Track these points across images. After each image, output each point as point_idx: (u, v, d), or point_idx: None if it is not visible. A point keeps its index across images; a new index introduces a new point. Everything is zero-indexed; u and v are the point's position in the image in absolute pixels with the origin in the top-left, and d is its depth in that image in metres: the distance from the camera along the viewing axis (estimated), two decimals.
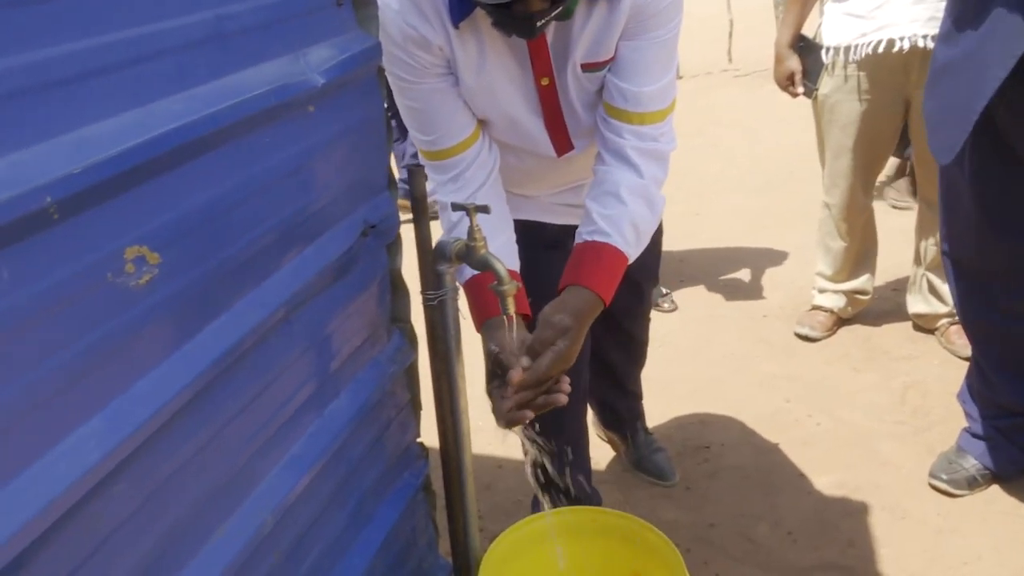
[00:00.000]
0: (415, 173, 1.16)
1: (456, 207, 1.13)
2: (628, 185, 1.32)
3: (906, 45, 2.26)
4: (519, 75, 1.35)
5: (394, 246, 1.26)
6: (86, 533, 0.74)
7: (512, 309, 1.12)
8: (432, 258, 1.20)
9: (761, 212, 3.99)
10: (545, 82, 1.36)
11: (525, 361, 1.18)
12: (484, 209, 1.10)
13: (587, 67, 1.34)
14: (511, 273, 1.19)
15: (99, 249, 0.72)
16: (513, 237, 1.44)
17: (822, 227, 2.73)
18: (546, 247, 1.53)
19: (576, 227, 1.36)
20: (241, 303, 0.92)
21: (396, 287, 1.27)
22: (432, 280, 1.21)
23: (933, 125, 1.71)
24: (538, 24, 1.17)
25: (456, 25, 1.25)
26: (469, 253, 1.13)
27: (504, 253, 1.35)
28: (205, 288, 0.86)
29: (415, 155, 1.74)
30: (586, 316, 1.26)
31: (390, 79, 1.31)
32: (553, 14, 1.18)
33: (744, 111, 5.84)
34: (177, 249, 0.82)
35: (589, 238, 1.31)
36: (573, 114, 1.42)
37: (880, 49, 2.29)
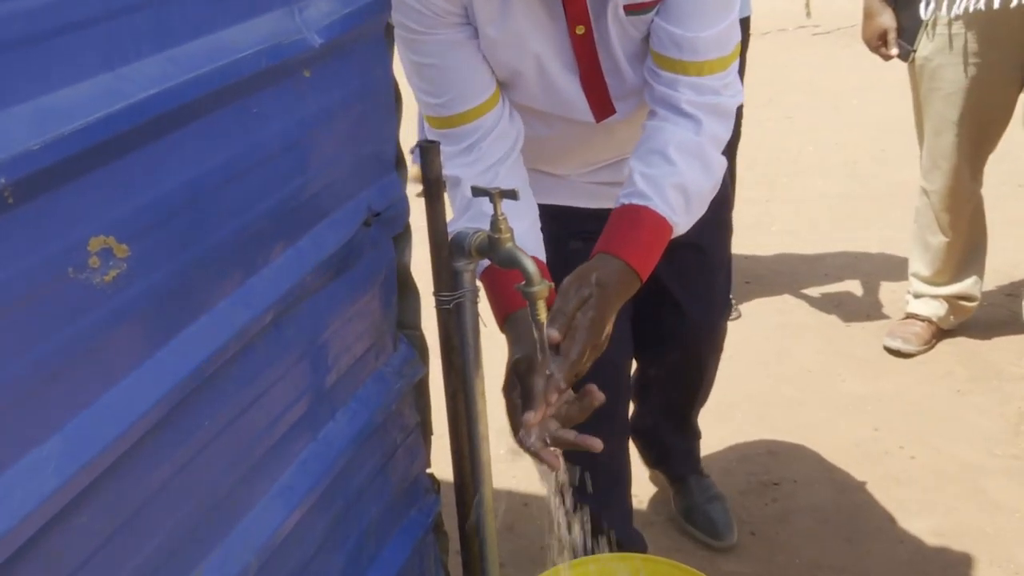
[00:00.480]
0: (428, 150, 1.17)
1: (477, 191, 1.14)
2: (679, 142, 1.34)
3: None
4: (549, 23, 1.36)
5: (402, 238, 1.27)
6: (43, 573, 0.76)
7: (544, 314, 1.13)
8: (448, 252, 1.21)
9: (845, 199, 3.98)
10: (581, 30, 1.37)
11: (555, 372, 1.17)
12: (511, 194, 1.11)
13: (631, 8, 1.35)
14: (540, 267, 1.19)
15: (59, 239, 0.74)
16: (538, 222, 1.45)
17: (920, 218, 2.72)
18: (578, 238, 1.53)
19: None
20: (222, 304, 0.94)
21: (404, 287, 1.29)
22: (447, 279, 1.22)
23: None
24: None
25: None
26: (493, 247, 1.15)
27: (528, 241, 1.35)
28: (180, 286, 0.88)
29: None
30: (615, 289, 1.25)
31: (396, 31, 1.33)
32: None
33: (825, 76, 5.81)
34: (148, 240, 0.84)
35: (626, 201, 1.33)
36: (615, 70, 1.42)
37: (996, 3, 2.28)
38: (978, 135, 2.51)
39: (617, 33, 1.38)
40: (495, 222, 1.13)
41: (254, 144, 0.97)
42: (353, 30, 1.10)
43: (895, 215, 3.55)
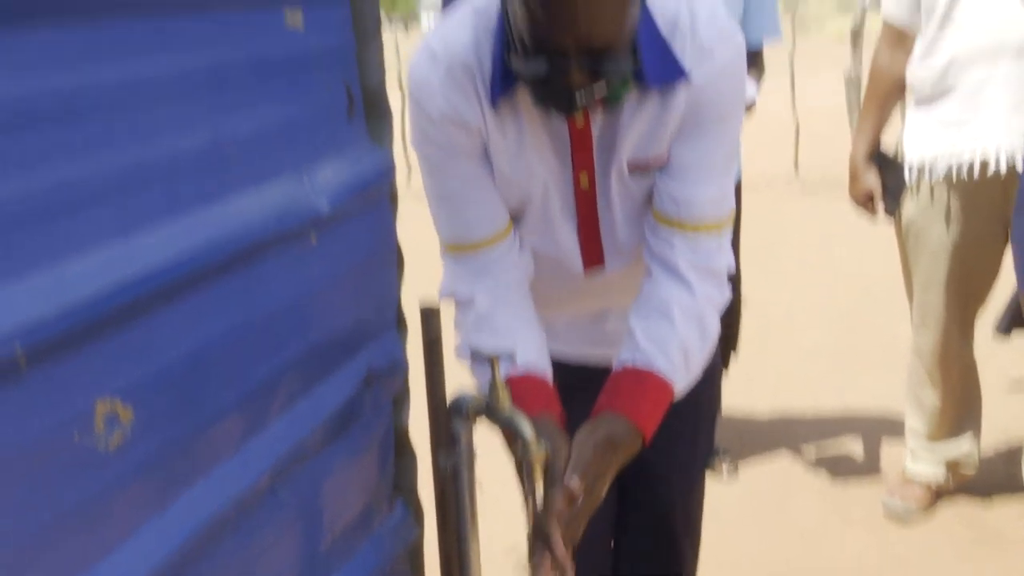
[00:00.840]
0: (428, 314, 1.19)
1: (477, 356, 1.16)
2: (680, 303, 1.36)
3: (1003, 164, 2.33)
4: (557, 169, 1.41)
5: (401, 397, 1.28)
6: None
7: (540, 478, 1.13)
8: (446, 414, 1.21)
9: (840, 353, 4.00)
10: (584, 183, 1.42)
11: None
12: (510, 357, 1.13)
13: (634, 167, 1.40)
14: (543, 393, 1.23)
15: (66, 405, 0.75)
16: (543, 338, 1.46)
17: (912, 375, 2.73)
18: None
19: (591, 372, 1.38)
20: (221, 468, 0.94)
21: (401, 448, 1.29)
22: (445, 441, 1.22)
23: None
24: (578, 98, 1.23)
25: (495, 103, 1.32)
26: (491, 411, 1.15)
27: (530, 350, 1.38)
28: (180, 450, 0.89)
29: None
30: (622, 450, 1.27)
31: (420, 161, 1.39)
32: (595, 90, 1.24)
33: (816, 230, 5.95)
34: (153, 404, 0.84)
35: (630, 361, 1.34)
36: (610, 226, 1.47)
37: (975, 172, 2.36)
38: (965, 294, 2.55)
39: (619, 190, 1.43)
40: (493, 387, 1.15)
41: (259, 309, 0.99)
42: (359, 195, 1.14)
43: (890, 369, 3.56)
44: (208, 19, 0.92)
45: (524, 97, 1.32)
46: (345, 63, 1.12)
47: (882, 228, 3.08)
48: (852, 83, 6.74)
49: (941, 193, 2.45)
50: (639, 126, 1.36)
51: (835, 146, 5.43)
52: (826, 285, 4.87)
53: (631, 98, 1.33)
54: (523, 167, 1.39)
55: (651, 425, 1.31)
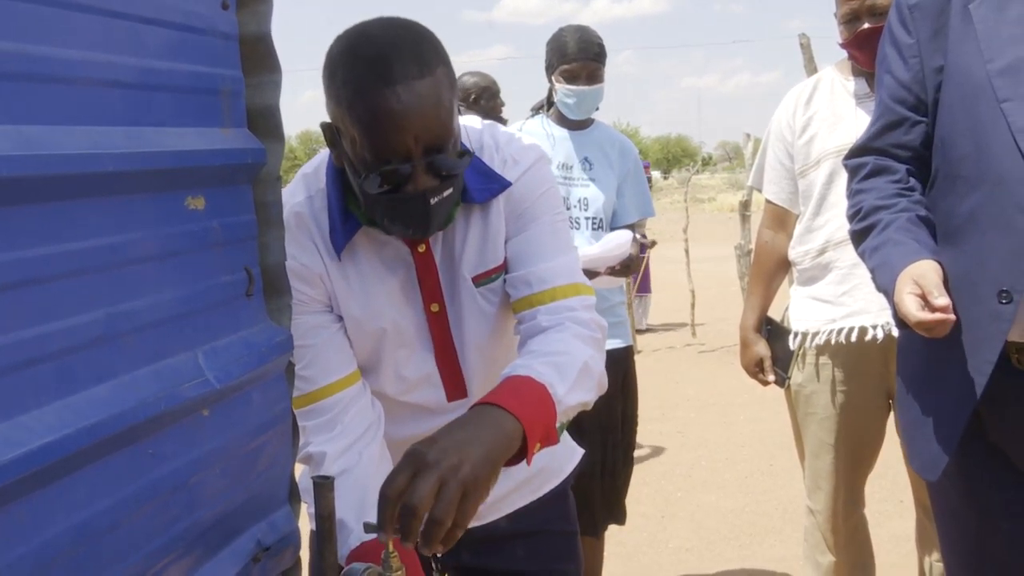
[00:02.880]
0: (321, 486, 1.19)
1: (369, 527, 1.14)
2: (541, 340, 1.39)
3: (880, 334, 2.46)
4: (406, 304, 1.48)
5: (291, 573, 1.25)
6: None
7: None
8: None
9: (740, 514, 4.04)
10: (435, 308, 1.48)
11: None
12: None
13: (479, 279, 1.48)
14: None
15: None
16: None
17: (808, 537, 2.77)
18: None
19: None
20: None
21: None
22: None
23: (911, 439, 1.77)
24: (432, 204, 1.32)
25: (339, 252, 1.43)
26: None
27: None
28: None
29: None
30: (462, 425, 1.15)
31: None
32: (446, 194, 1.34)
33: (713, 392, 6.09)
34: None
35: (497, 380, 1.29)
36: (466, 349, 1.52)
37: (852, 338, 2.49)
38: (854, 457, 2.63)
39: (470, 309, 1.49)
40: (386, 559, 1.14)
41: (146, 485, 0.97)
42: (254, 371, 1.15)
43: (789, 531, 3.61)
44: (110, 201, 0.94)
45: (364, 243, 1.44)
46: (246, 245, 1.14)
47: (777, 389, 3.18)
48: (742, 252, 7.08)
49: (825, 362, 2.56)
50: (472, 242, 1.47)
51: (731, 312, 5.63)
52: (725, 446, 4.96)
53: (458, 220, 1.45)
54: (371, 310, 1.46)
55: (526, 410, 1.19)
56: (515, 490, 1.63)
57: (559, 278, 1.46)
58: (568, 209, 2.91)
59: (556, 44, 2.98)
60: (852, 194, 1.78)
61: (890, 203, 1.67)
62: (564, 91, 2.90)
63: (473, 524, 1.46)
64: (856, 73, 2.55)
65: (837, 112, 2.54)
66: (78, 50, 0.89)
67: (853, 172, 1.79)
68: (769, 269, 2.72)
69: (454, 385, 1.54)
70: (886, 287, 1.60)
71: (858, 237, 1.74)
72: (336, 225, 1.43)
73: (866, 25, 2.40)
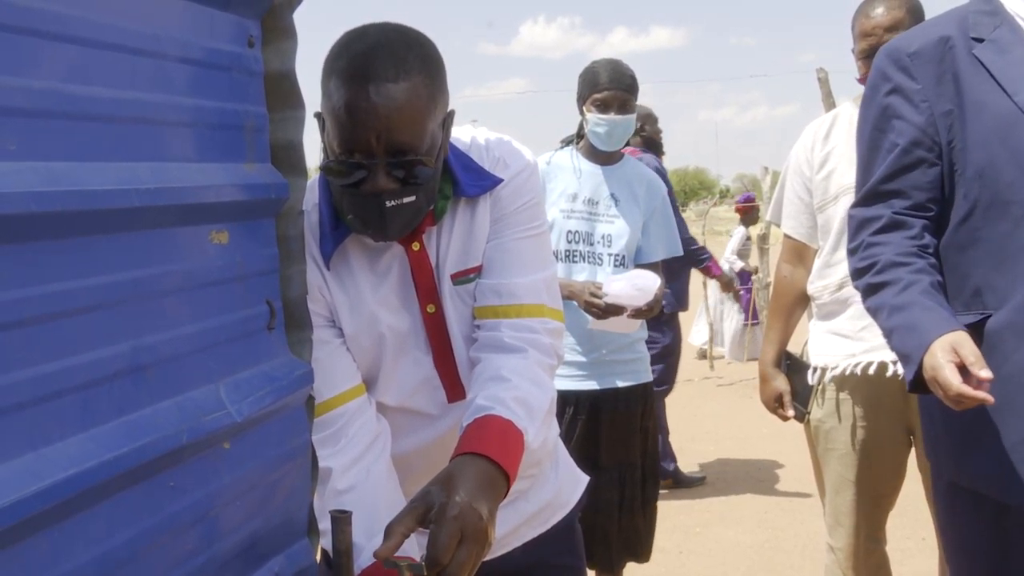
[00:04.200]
0: (339, 520, 1.18)
1: (389, 564, 1.15)
2: (511, 366, 1.40)
3: (901, 368, 2.43)
4: (402, 308, 1.49)
5: None
6: None
7: None
8: None
9: (761, 549, 4.00)
10: (432, 309, 1.48)
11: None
12: (418, 568, 1.12)
13: (457, 277, 1.48)
14: None
15: None
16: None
17: (828, 574, 2.74)
18: None
19: None
20: None
21: None
22: None
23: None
24: (387, 208, 1.34)
25: (328, 259, 1.44)
26: None
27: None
28: None
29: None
30: (474, 480, 1.22)
31: None
32: (405, 200, 1.35)
33: (732, 425, 6.05)
34: None
35: (467, 422, 1.34)
36: (460, 347, 1.51)
37: (871, 371, 2.47)
38: (875, 494, 2.60)
39: (454, 307, 1.49)
40: None
41: (166, 518, 0.98)
42: (274, 404, 1.15)
43: (809, 568, 3.56)
44: (136, 236, 0.96)
45: (356, 251, 1.46)
46: (268, 279, 1.15)
47: (796, 423, 3.16)
48: (761, 285, 7.06)
49: (845, 397, 2.54)
50: (456, 238, 1.47)
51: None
52: (745, 481, 4.91)
53: (447, 213, 1.46)
54: (368, 317, 1.47)
55: (506, 457, 1.28)
56: (525, 523, 1.63)
57: (528, 296, 1.47)
58: (591, 245, 2.91)
59: (589, 75, 3.00)
60: (864, 246, 1.77)
61: (908, 261, 1.68)
62: (595, 120, 2.91)
63: (488, 557, 1.46)
64: None
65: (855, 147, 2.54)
66: (105, 87, 0.90)
67: (864, 223, 1.78)
68: (788, 304, 2.71)
69: (453, 385, 1.53)
70: (909, 351, 1.60)
71: (871, 291, 1.74)
72: (326, 232, 1.45)
73: None
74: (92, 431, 0.89)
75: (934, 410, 1.75)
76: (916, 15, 2.42)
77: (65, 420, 0.86)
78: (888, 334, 1.69)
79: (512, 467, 1.28)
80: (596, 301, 2.72)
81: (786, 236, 2.70)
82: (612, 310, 2.72)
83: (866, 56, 2.45)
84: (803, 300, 2.70)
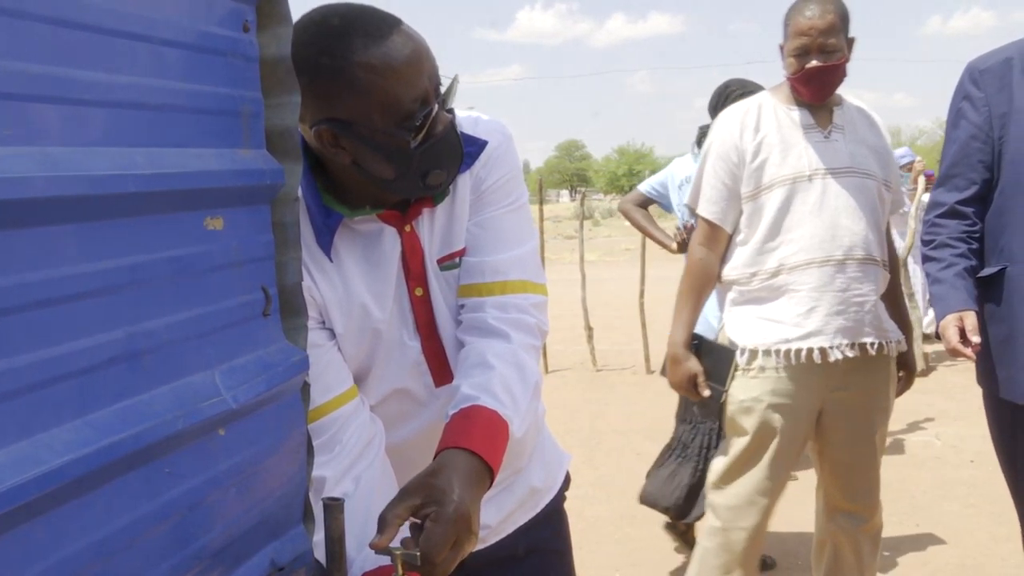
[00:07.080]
0: (331, 507, 1.19)
1: (381, 553, 1.15)
2: (495, 351, 1.40)
3: (838, 355, 2.56)
4: (392, 296, 1.47)
5: None
6: None
7: None
8: None
9: None
10: (419, 292, 1.47)
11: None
12: (412, 559, 1.13)
13: (443, 261, 1.47)
14: None
15: None
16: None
17: (711, 559, 2.75)
18: None
19: None
20: None
21: None
22: None
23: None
24: (462, 133, 1.39)
25: (328, 252, 1.42)
26: None
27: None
28: None
29: None
30: (465, 478, 1.24)
31: None
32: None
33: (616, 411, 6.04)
34: None
35: (454, 411, 1.35)
36: (447, 329, 1.50)
37: (815, 358, 2.57)
38: (785, 473, 2.69)
39: (440, 290, 1.49)
40: None
41: (163, 504, 0.98)
42: (270, 391, 1.15)
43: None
44: (131, 222, 0.95)
45: (345, 242, 1.43)
46: (263, 265, 1.15)
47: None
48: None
49: (770, 377, 2.61)
50: (439, 222, 1.46)
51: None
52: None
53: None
54: (357, 311, 1.45)
55: (491, 451, 1.29)
56: (520, 507, 1.63)
57: (512, 271, 1.47)
58: None
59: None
60: (930, 224, 2.48)
61: (956, 245, 2.39)
62: None
63: (483, 545, 1.47)
64: (798, 104, 2.63)
65: (786, 139, 2.61)
66: (100, 72, 0.90)
67: (934, 205, 2.48)
68: (700, 286, 2.75)
69: (441, 368, 1.52)
70: (937, 312, 2.37)
71: (926, 258, 2.47)
72: (318, 225, 1.41)
73: (814, 62, 2.50)
74: (88, 417, 0.89)
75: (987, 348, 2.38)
76: (846, 20, 2.53)
77: (61, 406, 0.86)
78: (930, 295, 2.43)
79: (496, 461, 1.30)
80: None
81: (703, 219, 2.71)
82: None
83: (797, 55, 2.53)
84: (712, 283, 2.75)
